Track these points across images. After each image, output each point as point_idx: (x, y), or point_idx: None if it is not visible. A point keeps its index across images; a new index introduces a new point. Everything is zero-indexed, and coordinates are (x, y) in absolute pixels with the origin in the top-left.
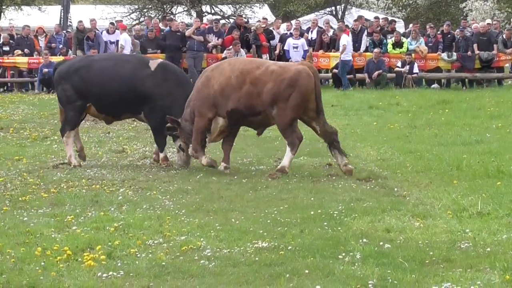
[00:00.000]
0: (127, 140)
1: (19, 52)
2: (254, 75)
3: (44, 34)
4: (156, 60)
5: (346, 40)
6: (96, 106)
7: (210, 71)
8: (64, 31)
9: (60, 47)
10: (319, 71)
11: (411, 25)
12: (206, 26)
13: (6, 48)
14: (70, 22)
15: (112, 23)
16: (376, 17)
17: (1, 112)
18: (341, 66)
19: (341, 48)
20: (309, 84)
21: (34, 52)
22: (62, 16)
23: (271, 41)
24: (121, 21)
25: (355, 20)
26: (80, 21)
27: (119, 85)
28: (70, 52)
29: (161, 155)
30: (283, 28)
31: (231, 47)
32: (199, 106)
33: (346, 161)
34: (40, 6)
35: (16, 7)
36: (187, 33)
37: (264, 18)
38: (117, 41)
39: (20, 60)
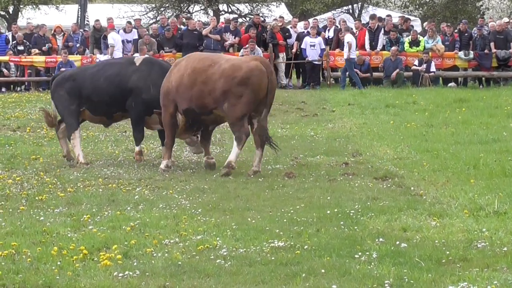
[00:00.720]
0: (144, 139)
1: (37, 51)
2: (206, 74)
3: (62, 33)
4: (142, 56)
5: (350, 38)
6: (89, 109)
7: (173, 66)
8: (81, 30)
9: (77, 46)
10: (335, 70)
11: (426, 23)
12: (223, 25)
13: (21, 48)
14: (87, 21)
15: (129, 22)
16: (389, 15)
17: (18, 111)
18: (347, 65)
19: (346, 47)
20: (261, 82)
21: (51, 51)
22: (79, 15)
23: (288, 40)
24: (140, 19)
25: (371, 19)
26: (97, 20)
27: (108, 84)
28: (87, 51)
29: (136, 148)
30: (300, 26)
31: (247, 45)
32: (162, 99)
33: (255, 167)
34: (58, 5)
35: (34, 6)
36: (204, 32)
37: (281, 17)
38: (134, 39)
39: (38, 59)
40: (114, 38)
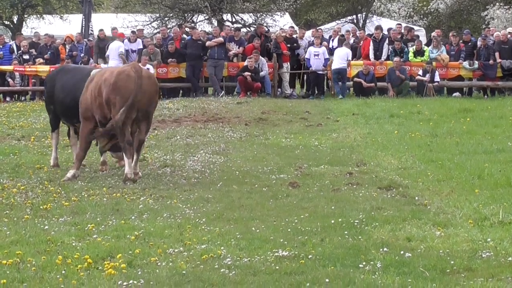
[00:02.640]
0: (147, 148)
1: (41, 60)
2: (99, 86)
3: (73, 43)
4: (99, 69)
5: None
6: (57, 111)
7: (88, 81)
8: (86, 40)
9: (81, 55)
10: None
11: (434, 32)
12: (227, 35)
13: (26, 57)
14: (92, 30)
15: (133, 32)
16: (399, 24)
17: (22, 120)
18: (333, 74)
19: (338, 57)
20: (128, 86)
21: (58, 60)
22: (83, 25)
23: (295, 50)
24: (142, 29)
25: (376, 29)
26: (101, 30)
27: (65, 95)
28: (91, 60)
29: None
30: (308, 35)
31: (251, 55)
32: (82, 111)
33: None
34: (62, 15)
35: (38, 15)
36: (207, 44)
37: (291, 27)
38: (139, 49)
39: (42, 68)
40: (118, 47)
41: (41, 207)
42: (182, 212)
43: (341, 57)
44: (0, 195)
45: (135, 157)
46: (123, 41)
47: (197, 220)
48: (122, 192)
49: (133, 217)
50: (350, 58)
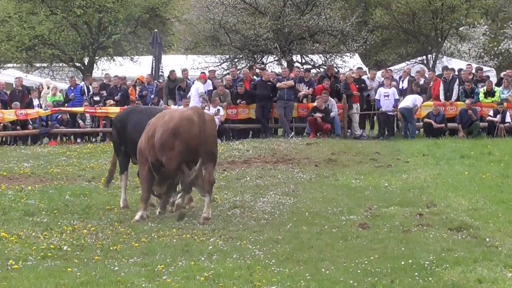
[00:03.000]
0: (217, 189)
1: (111, 102)
2: (154, 127)
3: (143, 84)
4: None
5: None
6: (129, 152)
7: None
8: (156, 81)
9: (151, 96)
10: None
11: (502, 73)
12: (297, 76)
13: (97, 98)
14: (162, 72)
15: (203, 73)
16: (469, 65)
17: (93, 161)
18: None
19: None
20: (191, 131)
21: (128, 102)
22: (153, 66)
23: (364, 91)
24: (214, 70)
25: (446, 69)
26: (173, 71)
27: (138, 135)
28: (161, 102)
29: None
30: (378, 76)
31: (321, 96)
32: (138, 153)
33: (205, 213)
34: (132, 57)
35: (109, 57)
36: (277, 85)
37: (358, 68)
38: (209, 90)
39: (112, 110)
40: (197, 88)
41: (111, 248)
42: (251, 253)
43: (409, 100)
44: (70, 236)
45: (207, 199)
46: (205, 82)
47: (266, 261)
48: (192, 233)
49: (202, 258)
50: (418, 104)
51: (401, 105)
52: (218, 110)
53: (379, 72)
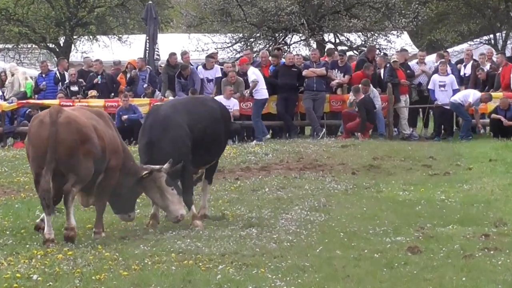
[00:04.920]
0: (228, 203)
1: (93, 93)
2: None
3: (136, 71)
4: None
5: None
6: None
7: None
8: (150, 67)
9: (144, 86)
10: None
11: None
12: (329, 61)
13: (75, 88)
14: (158, 55)
15: (210, 56)
16: None
17: None
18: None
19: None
20: (37, 133)
21: (115, 92)
22: (147, 48)
23: (411, 79)
24: (216, 52)
25: None
26: (173, 54)
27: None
28: (157, 92)
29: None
30: (432, 60)
31: (359, 86)
32: None
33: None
34: (120, 36)
35: (91, 36)
36: (304, 73)
37: (403, 49)
38: (217, 78)
39: (95, 103)
40: (255, 73)
41: (93, 277)
42: (271, 284)
43: (460, 95)
44: (42, 262)
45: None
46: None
47: None
48: (195, 259)
49: None
50: (472, 101)
51: (452, 98)
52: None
53: (433, 55)
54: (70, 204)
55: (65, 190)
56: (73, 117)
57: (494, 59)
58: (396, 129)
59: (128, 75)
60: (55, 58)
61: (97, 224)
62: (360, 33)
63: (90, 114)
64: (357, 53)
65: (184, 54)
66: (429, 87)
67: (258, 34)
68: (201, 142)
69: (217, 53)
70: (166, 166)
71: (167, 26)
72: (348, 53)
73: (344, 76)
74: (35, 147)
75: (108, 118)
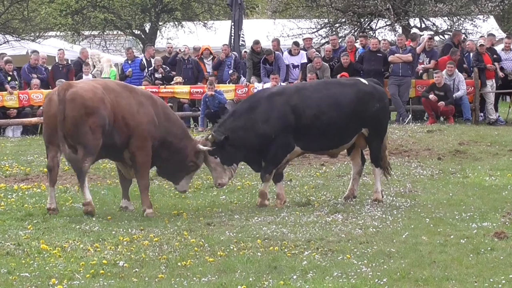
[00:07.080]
0: (313, 189)
1: (179, 79)
2: None
3: (212, 56)
4: None
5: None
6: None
7: None
8: (235, 53)
9: (229, 72)
10: None
11: None
12: (415, 45)
13: (159, 75)
14: (243, 41)
15: (296, 43)
16: None
17: None
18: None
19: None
20: (47, 110)
21: (200, 78)
22: (232, 34)
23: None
24: (311, 39)
25: None
26: (257, 42)
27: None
28: (242, 78)
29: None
30: None
31: (444, 71)
32: None
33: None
34: (206, 22)
35: (176, 23)
36: (390, 58)
37: (490, 34)
38: (302, 63)
39: (180, 89)
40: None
41: (179, 263)
42: (357, 271)
43: None
44: (128, 248)
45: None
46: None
47: (376, 280)
48: (281, 245)
49: (294, 277)
50: None
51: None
52: None
53: None
54: (83, 179)
55: (77, 166)
56: (79, 93)
57: None
58: (482, 114)
59: (207, 61)
60: (141, 45)
61: (143, 202)
62: (446, 18)
63: (109, 88)
64: (443, 37)
65: (273, 41)
66: None
67: (343, 20)
68: (313, 126)
69: (311, 39)
70: (209, 137)
71: (252, 12)
72: (435, 38)
73: (430, 61)
74: (45, 124)
75: (141, 93)
